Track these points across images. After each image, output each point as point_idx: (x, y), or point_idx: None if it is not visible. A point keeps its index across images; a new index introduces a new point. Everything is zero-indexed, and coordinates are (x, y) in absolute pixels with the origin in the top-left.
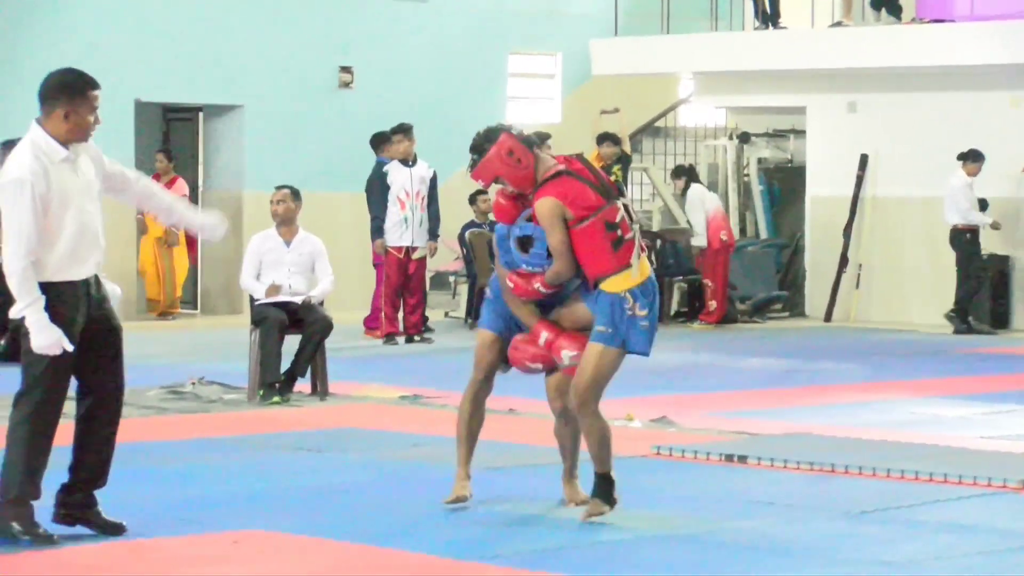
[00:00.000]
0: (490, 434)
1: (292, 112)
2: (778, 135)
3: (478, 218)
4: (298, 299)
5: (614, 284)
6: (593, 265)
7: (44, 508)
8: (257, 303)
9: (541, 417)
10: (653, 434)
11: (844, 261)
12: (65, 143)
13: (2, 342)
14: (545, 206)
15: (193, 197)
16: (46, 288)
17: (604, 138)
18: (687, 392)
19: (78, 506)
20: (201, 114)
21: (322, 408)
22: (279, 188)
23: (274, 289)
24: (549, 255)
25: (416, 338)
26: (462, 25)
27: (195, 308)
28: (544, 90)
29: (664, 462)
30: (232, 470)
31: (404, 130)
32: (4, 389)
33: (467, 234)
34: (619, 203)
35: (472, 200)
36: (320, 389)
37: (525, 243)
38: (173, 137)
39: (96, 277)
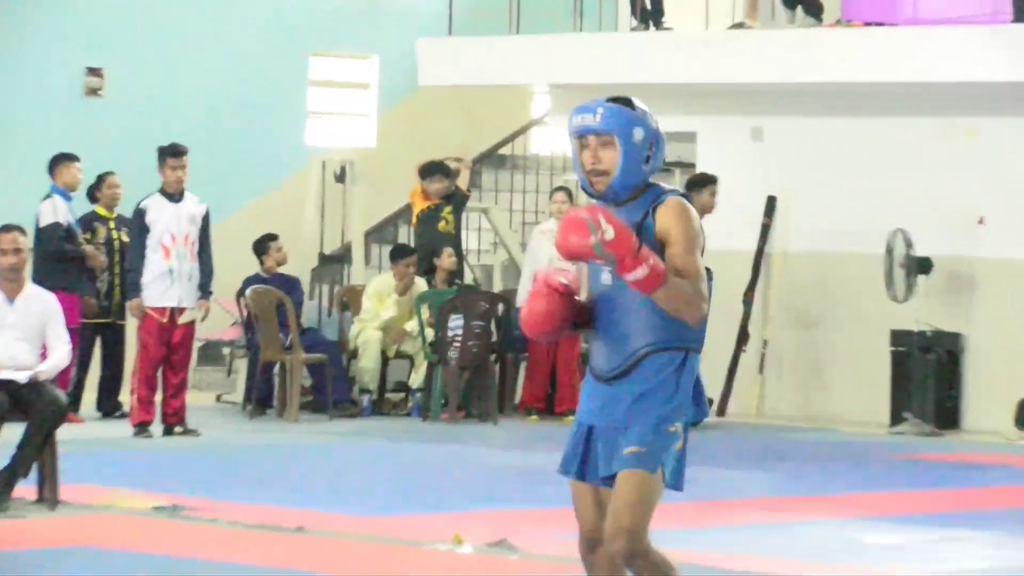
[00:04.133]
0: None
1: (23, 126)
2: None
3: (265, 271)
4: (22, 375)
5: None
6: None
7: None
8: None
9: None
10: (488, 561)
11: (743, 336)
12: None
13: None
14: None
15: None
16: None
17: (432, 169)
18: (532, 506)
19: None
20: None
21: (52, 520)
22: (6, 230)
23: None
24: None
25: (178, 429)
26: (252, 21)
27: None
28: (356, 104)
29: None
30: None
31: (175, 153)
32: None
33: (249, 292)
34: None
35: (261, 247)
36: (49, 495)
37: None
38: None
39: None
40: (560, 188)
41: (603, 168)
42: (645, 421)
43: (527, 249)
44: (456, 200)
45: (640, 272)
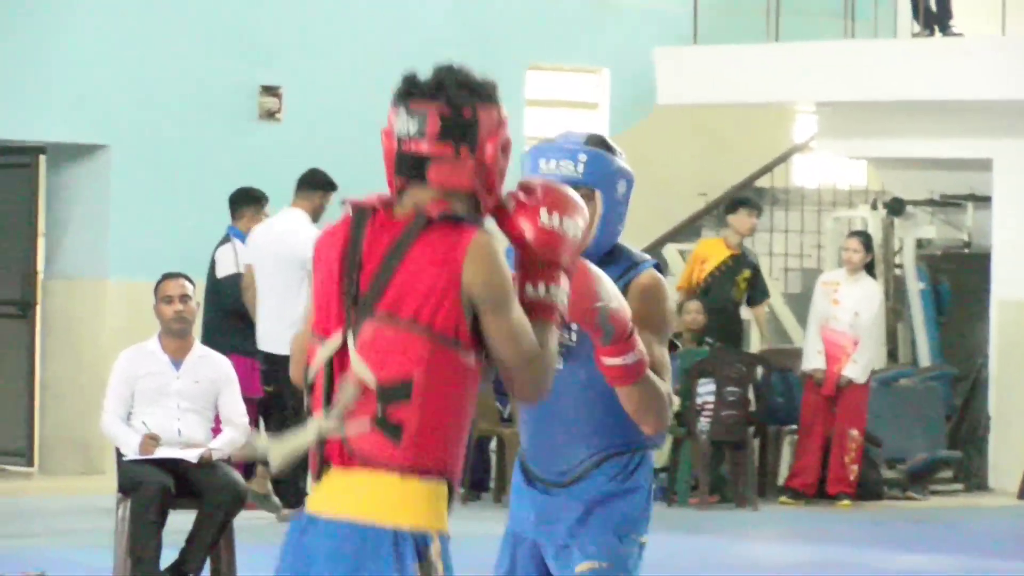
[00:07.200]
0: None
1: (181, 153)
2: (948, 204)
3: None
4: (192, 454)
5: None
6: None
7: None
8: (127, 459)
9: None
10: None
11: None
12: None
13: None
14: None
15: (29, 283)
16: None
17: (741, 203)
18: None
19: None
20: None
21: None
22: (172, 277)
23: (152, 441)
24: None
25: None
26: (454, 28)
27: (30, 464)
28: (582, 128)
29: None
30: None
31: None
32: None
33: None
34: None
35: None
36: None
37: None
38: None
39: None
40: (858, 233)
41: None
42: (605, 529)
43: (812, 302)
44: (750, 265)
45: (630, 357)
